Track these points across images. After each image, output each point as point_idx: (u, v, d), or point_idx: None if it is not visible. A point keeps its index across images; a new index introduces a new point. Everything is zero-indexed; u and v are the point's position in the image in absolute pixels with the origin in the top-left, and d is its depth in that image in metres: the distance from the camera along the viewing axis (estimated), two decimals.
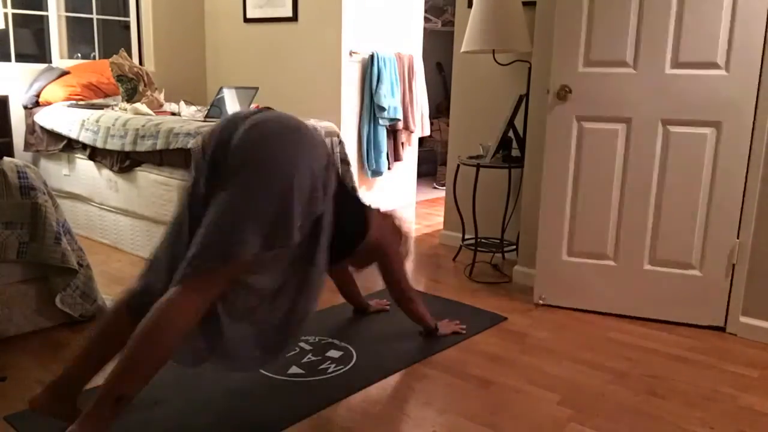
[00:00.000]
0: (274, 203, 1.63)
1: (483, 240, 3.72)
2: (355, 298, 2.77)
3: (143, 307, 1.59)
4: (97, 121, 3.67)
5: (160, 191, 3.32)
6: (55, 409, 1.68)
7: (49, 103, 4.22)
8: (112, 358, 1.66)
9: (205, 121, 3.50)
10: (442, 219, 4.20)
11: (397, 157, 4.98)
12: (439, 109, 6.97)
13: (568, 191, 2.84)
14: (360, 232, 2.15)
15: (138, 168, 3.44)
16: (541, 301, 2.95)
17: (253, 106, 3.85)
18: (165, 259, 1.73)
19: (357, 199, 2.21)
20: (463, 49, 3.37)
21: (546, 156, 2.85)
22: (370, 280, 3.05)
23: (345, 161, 3.88)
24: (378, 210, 2.32)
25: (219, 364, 1.77)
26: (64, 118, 3.92)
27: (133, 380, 1.49)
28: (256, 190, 1.63)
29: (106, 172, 3.66)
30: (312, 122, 3.71)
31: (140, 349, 1.49)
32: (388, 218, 2.36)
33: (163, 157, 3.28)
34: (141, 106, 3.86)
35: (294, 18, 4.70)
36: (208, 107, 3.76)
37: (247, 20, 5.02)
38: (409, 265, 3.54)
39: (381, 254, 2.30)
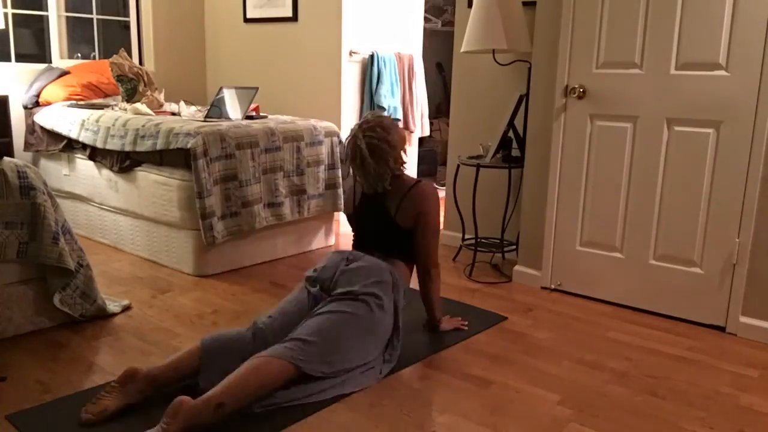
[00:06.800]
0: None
1: (483, 240, 3.72)
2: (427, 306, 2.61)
3: (257, 342, 2.08)
4: (97, 121, 3.67)
5: (160, 191, 3.32)
6: (135, 389, 1.93)
7: (49, 103, 4.21)
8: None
9: (205, 121, 3.50)
10: (441, 219, 4.20)
11: None
12: (439, 109, 6.97)
13: (582, 185, 2.97)
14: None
15: (138, 168, 3.44)
16: (553, 286, 3.10)
17: (252, 106, 3.85)
18: (282, 316, 2.18)
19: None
20: (463, 49, 3.37)
21: (561, 152, 3.00)
22: None
23: (345, 161, 3.88)
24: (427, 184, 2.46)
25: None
26: (64, 118, 3.92)
27: (234, 396, 1.82)
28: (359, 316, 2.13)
29: (106, 172, 3.66)
30: (312, 122, 3.71)
31: (242, 380, 1.85)
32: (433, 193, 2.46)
33: (163, 157, 3.28)
34: (141, 106, 3.86)
35: (294, 18, 4.70)
36: (208, 107, 3.75)
37: (247, 20, 5.02)
38: None
39: (419, 214, 2.37)
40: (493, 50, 3.28)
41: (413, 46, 5.04)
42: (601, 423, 1.94)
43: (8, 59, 4.49)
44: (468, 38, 3.28)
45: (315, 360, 2.00)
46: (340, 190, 3.79)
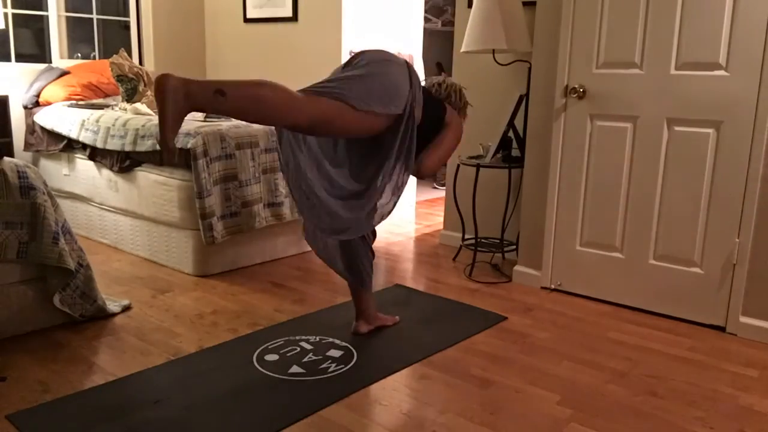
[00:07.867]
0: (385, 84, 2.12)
1: (483, 240, 3.72)
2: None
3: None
4: (97, 121, 3.67)
5: (160, 191, 3.32)
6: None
7: (49, 103, 4.22)
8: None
9: (205, 120, 3.50)
10: (442, 219, 4.21)
11: None
12: None
13: (582, 185, 2.97)
14: (440, 117, 2.39)
15: (138, 168, 3.44)
16: (553, 286, 3.11)
17: None
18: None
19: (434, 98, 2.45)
20: (463, 49, 3.37)
21: (561, 152, 3.00)
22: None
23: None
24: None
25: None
26: (64, 118, 3.92)
27: (236, 91, 1.79)
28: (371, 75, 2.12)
29: (106, 172, 3.66)
30: None
31: (252, 85, 1.84)
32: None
33: (163, 157, 3.28)
34: (141, 106, 3.86)
35: (294, 18, 4.71)
36: None
37: (247, 20, 5.02)
38: (410, 265, 3.55)
39: (446, 129, 2.40)
40: (493, 50, 3.28)
41: (413, 46, 5.04)
42: (601, 423, 1.94)
43: (8, 59, 4.49)
44: (468, 38, 3.28)
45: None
46: None
